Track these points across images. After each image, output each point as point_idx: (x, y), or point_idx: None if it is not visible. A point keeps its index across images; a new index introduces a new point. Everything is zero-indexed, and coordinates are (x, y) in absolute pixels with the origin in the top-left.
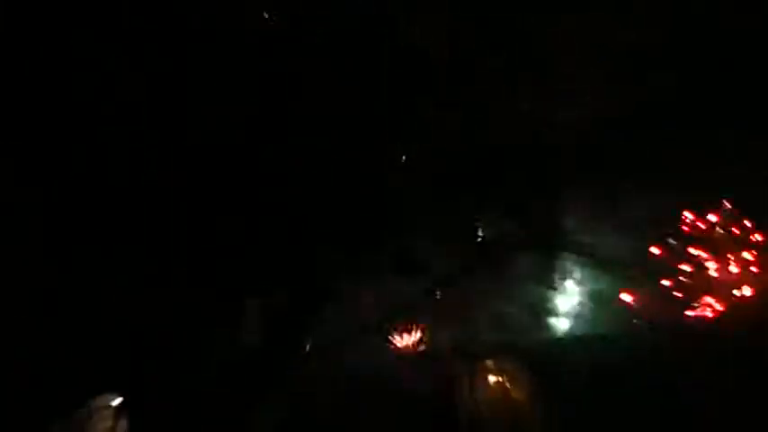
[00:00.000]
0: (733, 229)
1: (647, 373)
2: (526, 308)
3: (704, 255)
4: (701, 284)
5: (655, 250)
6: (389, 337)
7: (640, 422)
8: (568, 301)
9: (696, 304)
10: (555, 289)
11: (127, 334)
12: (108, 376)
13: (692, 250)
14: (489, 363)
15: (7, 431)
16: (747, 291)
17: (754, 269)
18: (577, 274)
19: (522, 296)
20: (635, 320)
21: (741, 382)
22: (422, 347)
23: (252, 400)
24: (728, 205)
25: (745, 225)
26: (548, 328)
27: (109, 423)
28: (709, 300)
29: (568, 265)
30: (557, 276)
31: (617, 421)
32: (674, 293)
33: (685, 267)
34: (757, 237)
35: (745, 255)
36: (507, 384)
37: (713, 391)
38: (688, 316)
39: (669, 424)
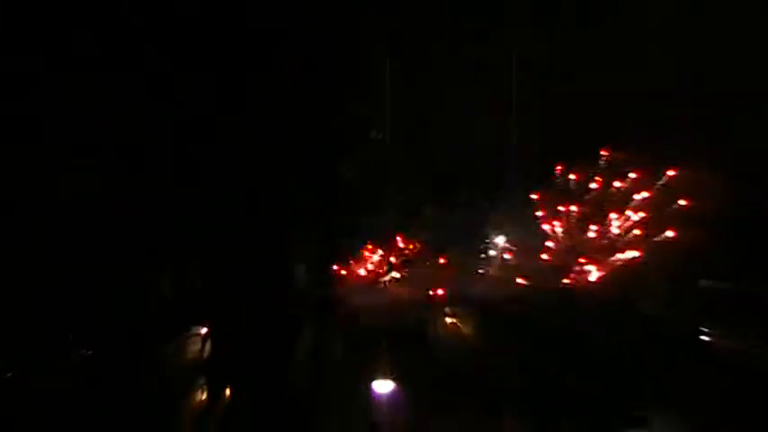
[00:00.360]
0: (616, 182)
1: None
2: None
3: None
4: (578, 250)
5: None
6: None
7: (538, 342)
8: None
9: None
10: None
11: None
12: (199, 316)
13: (561, 208)
14: (447, 310)
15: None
16: (632, 254)
17: (637, 231)
18: None
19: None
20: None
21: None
22: None
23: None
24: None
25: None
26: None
27: (199, 345)
28: (589, 267)
29: None
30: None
31: (526, 342)
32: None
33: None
34: (644, 194)
35: (630, 214)
36: (457, 322)
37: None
38: (564, 283)
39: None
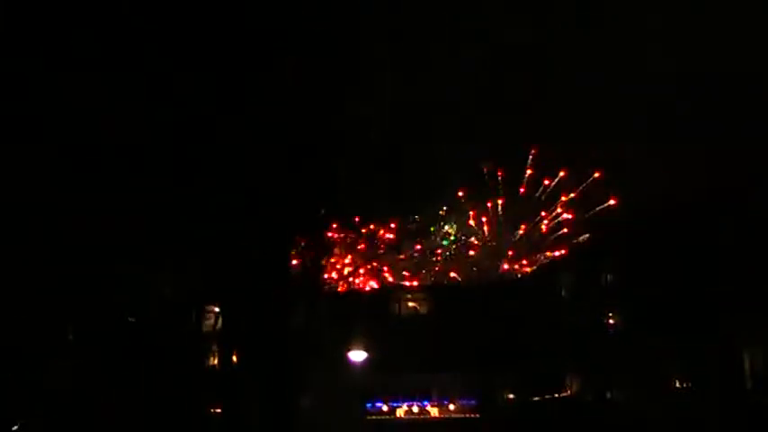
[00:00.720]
0: (546, 181)
1: None
2: None
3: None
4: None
5: None
6: None
7: None
8: None
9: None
10: None
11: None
12: (211, 296)
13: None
14: (408, 295)
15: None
16: (558, 252)
17: (565, 230)
18: None
19: None
20: None
21: None
22: None
23: None
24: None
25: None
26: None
27: (212, 321)
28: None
29: None
30: None
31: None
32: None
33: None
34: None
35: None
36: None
37: None
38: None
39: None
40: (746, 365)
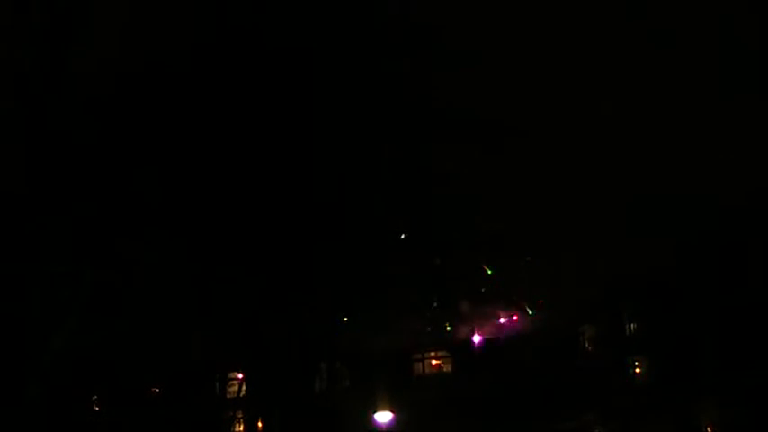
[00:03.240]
0: None
1: None
2: None
3: None
4: None
5: None
6: None
7: None
8: None
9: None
10: None
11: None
12: (235, 363)
13: None
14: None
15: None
16: None
17: None
18: None
19: None
20: None
21: None
22: None
23: None
24: None
25: None
26: None
27: (236, 387)
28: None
29: None
30: None
31: None
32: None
33: None
34: None
35: None
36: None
37: None
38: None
39: None
40: None
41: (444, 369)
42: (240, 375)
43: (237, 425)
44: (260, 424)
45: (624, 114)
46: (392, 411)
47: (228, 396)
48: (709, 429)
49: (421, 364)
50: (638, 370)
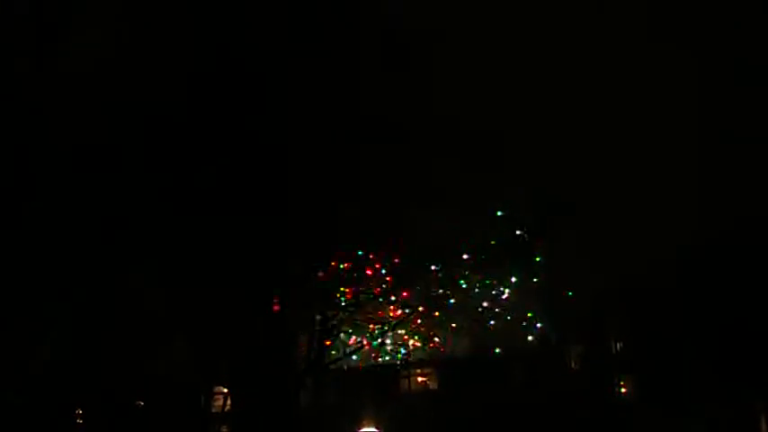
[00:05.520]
0: None
1: None
2: None
3: None
4: None
5: None
6: None
7: None
8: None
9: None
10: None
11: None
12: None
13: None
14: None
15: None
16: None
17: None
18: None
19: None
20: None
21: None
22: None
23: None
24: None
25: None
26: None
27: (220, 402)
28: None
29: None
30: None
31: None
32: None
33: None
34: None
35: None
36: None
37: None
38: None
39: None
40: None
41: (430, 386)
42: (225, 390)
43: None
44: None
45: (608, 122)
46: (377, 427)
47: (213, 410)
48: None
49: (407, 380)
50: (623, 389)
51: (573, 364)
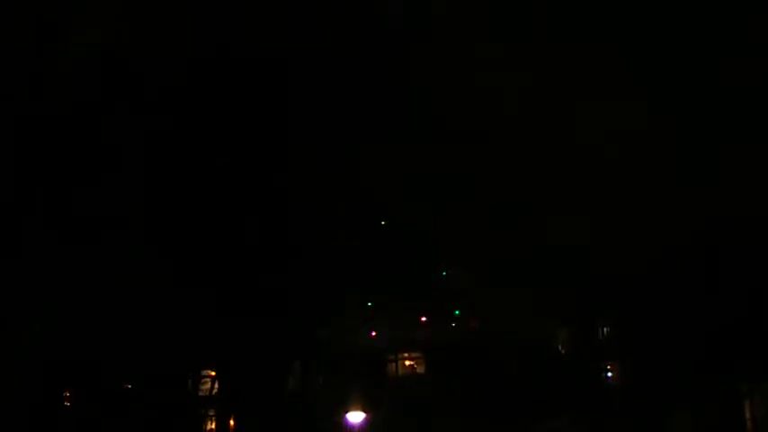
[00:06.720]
0: None
1: None
2: None
3: None
4: None
5: None
6: None
7: None
8: None
9: None
10: None
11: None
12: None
13: None
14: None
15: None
16: None
17: None
18: None
19: None
20: None
21: None
22: None
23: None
24: None
25: None
26: None
27: (208, 385)
28: None
29: None
30: None
31: None
32: None
33: None
34: None
35: None
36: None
37: None
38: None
39: None
40: (747, 415)
41: (417, 370)
42: (212, 373)
43: (209, 423)
44: (232, 422)
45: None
46: (365, 411)
47: (201, 394)
48: None
49: (394, 364)
50: (610, 374)
51: (561, 349)
